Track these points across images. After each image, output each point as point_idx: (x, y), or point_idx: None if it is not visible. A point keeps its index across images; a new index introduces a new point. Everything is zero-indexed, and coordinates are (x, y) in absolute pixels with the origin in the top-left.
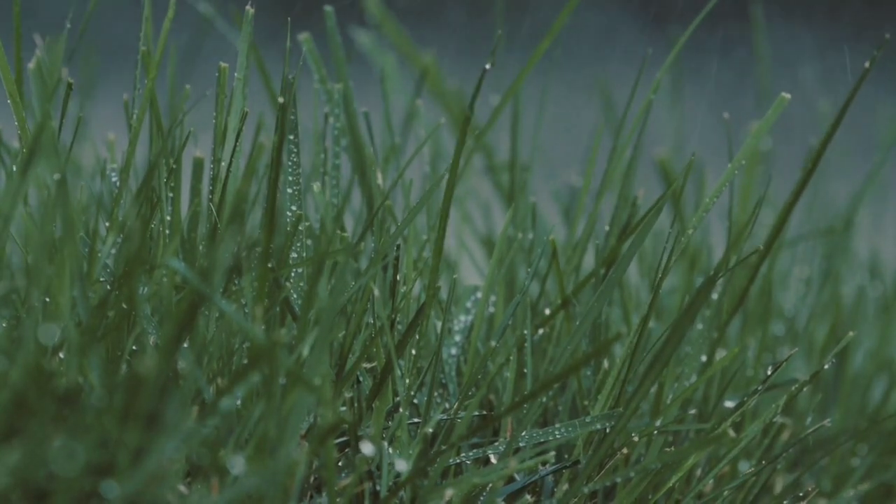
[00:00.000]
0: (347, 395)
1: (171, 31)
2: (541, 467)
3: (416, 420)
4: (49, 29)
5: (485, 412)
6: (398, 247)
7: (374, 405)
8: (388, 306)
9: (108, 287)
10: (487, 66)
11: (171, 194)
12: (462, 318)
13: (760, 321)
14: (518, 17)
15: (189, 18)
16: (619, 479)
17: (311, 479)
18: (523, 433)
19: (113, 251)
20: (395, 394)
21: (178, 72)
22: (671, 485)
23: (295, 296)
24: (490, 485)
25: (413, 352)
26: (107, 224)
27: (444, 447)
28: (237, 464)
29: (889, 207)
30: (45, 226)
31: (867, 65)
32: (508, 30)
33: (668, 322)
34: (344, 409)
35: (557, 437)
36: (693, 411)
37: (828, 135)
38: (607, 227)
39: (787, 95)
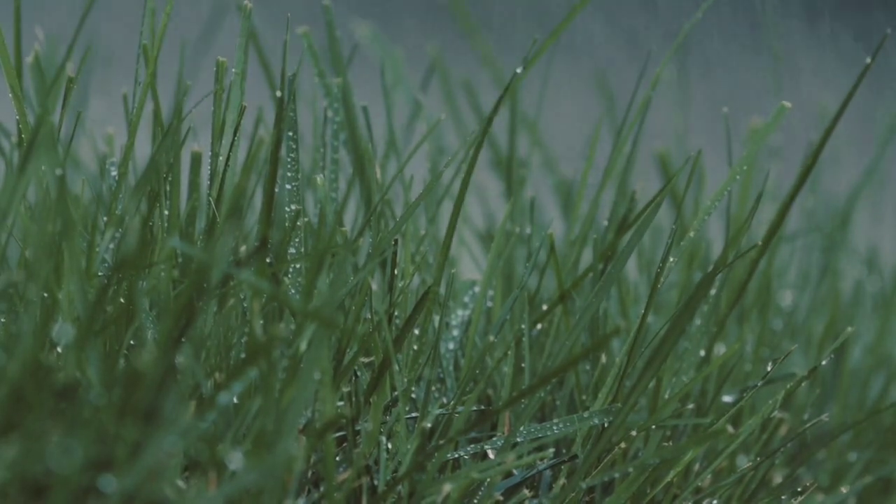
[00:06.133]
0: (345, 389)
1: (182, 27)
2: (539, 462)
3: (413, 415)
4: (49, 23)
5: (483, 407)
6: (396, 242)
7: (371, 400)
8: (386, 301)
9: (106, 282)
10: (518, 70)
11: (169, 189)
12: (460, 312)
13: (759, 316)
14: (525, 3)
15: (201, 13)
16: (616, 474)
17: (309, 473)
18: (521, 428)
19: (111, 246)
20: (393, 388)
21: (187, 66)
22: (669, 480)
23: (293, 291)
24: (488, 479)
25: (414, 347)
26: (105, 219)
27: (442, 442)
28: (235, 459)
29: (887, 202)
30: (44, 221)
31: (868, 61)
32: (511, 17)
33: (667, 316)
34: (342, 403)
35: (555, 431)
36: (691, 406)
37: (827, 131)
38: (606, 222)
39: (788, 104)
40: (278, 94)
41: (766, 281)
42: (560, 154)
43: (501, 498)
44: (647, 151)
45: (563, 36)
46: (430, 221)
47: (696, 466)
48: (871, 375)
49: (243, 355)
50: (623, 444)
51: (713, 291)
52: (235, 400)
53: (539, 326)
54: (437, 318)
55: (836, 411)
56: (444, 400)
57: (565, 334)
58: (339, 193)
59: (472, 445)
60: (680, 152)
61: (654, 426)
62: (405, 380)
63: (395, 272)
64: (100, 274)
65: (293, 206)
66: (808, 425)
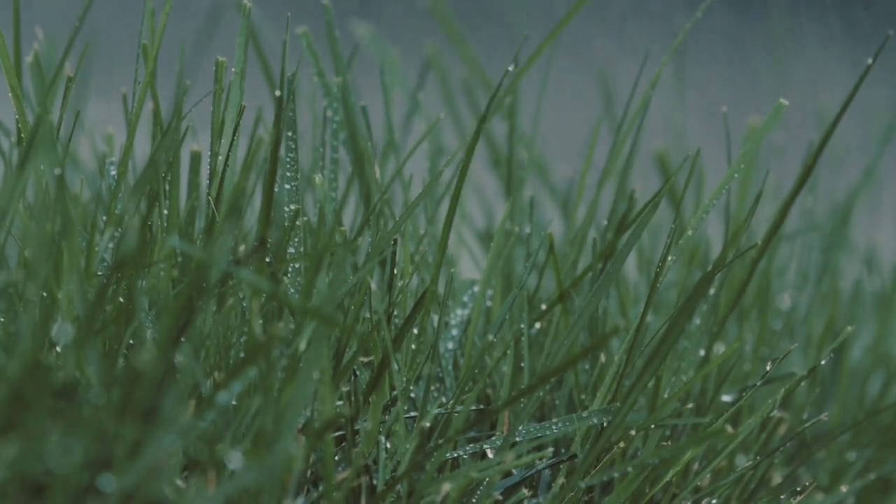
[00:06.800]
0: (344, 388)
1: (181, 26)
2: (538, 462)
3: (413, 414)
4: (49, 22)
5: (482, 406)
6: (395, 241)
7: (370, 399)
8: (385, 301)
9: (106, 281)
10: (510, 69)
11: (168, 188)
12: (459, 311)
13: (758, 315)
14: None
15: (201, 13)
16: (616, 474)
17: (308, 473)
18: (520, 427)
19: (111, 245)
20: (392, 388)
21: (187, 66)
22: (668, 479)
23: (293, 290)
24: (487, 479)
25: (411, 346)
26: (104, 218)
27: (441, 441)
28: (234, 458)
29: (886, 201)
30: (43, 220)
31: (869, 61)
32: (515, 16)
33: (666, 316)
34: (341, 403)
35: (554, 431)
36: (690, 405)
37: (828, 131)
38: (605, 221)
39: (786, 102)
40: (277, 93)
41: (765, 280)
42: (560, 153)
43: (500, 497)
44: (646, 151)
45: (562, 35)
46: (430, 221)
47: (696, 466)
48: (870, 375)
49: (242, 355)
50: (622, 444)
51: (712, 291)
52: (234, 399)
53: (538, 326)
54: (436, 318)
55: (836, 411)
56: (444, 399)
57: (564, 334)
58: (339, 193)
59: (472, 445)
60: (679, 152)
61: (653, 425)
62: (404, 379)
63: (395, 271)
64: (99, 273)
65: (292, 206)
66: (807, 425)
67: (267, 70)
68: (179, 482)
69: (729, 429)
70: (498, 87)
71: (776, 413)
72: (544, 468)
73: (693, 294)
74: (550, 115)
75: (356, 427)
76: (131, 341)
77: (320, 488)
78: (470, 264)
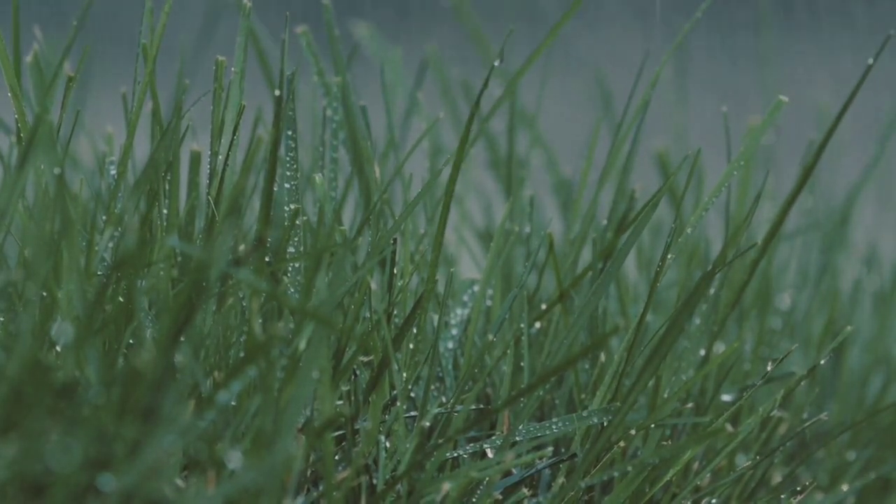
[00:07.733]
0: (344, 388)
1: (181, 26)
2: (538, 461)
3: (412, 414)
4: (48, 22)
5: (482, 406)
6: (395, 241)
7: (370, 399)
8: (385, 300)
9: (105, 281)
10: (496, 63)
11: (168, 187)
12: (459, 311)
13: (758, 315)
14: (527, 3)
15: (200, 12)
16: (616, 473)
17: (308, 472)
18: (520, 427)
19: (110, 245)
20: (392, 387)
21: (186, 65)
22: (668, 478)
23: (292, 290)
24: (487, 478)
25: (410, 346)
26: (104, 217)
27: (441, 441)
28: (234, 458)
29: (887, 201)
30: (43, 219)
31: (870, 61)
32: (516, 18)
33: (666, 315)
34: (341, 402)
35: (554, 430)
36: (690, 405)
37: (829, 132)
38: (605, 221)
39: (785, 98)
40: (277, 93)
41: (765, 280)
42: (559, 153)
43: (500, 497)
44: (646, 151)
45: (561, 35)
46: (430, 220)
47: (696, 465)
48: (870, 374)
49: (242, 354)
50: (622, 443)
51: (712, 290)
52: (234, 399)
53: (538, 325)
54: (435, 317)
55: (836, 410)
56: (443, 399)
57: (564, 333)
58: (338, 192)
59: (471, 444)
60: (679, 152)
61: (653, 425)
62: (404, 379)
63: (395, 271)
64: (99, 273)
65: (292, 205)
66: (807, 424)
67: (267, 70)
68: (179, 482)
69: (729, 428)
70: (486, 81)
71: (776, 412)
72: (544, 468)
73: (693, 294)
74: (550, 114)
75: (356, 427)
76: (131, 341)
77: (320, 488)
78: (470, 264)
